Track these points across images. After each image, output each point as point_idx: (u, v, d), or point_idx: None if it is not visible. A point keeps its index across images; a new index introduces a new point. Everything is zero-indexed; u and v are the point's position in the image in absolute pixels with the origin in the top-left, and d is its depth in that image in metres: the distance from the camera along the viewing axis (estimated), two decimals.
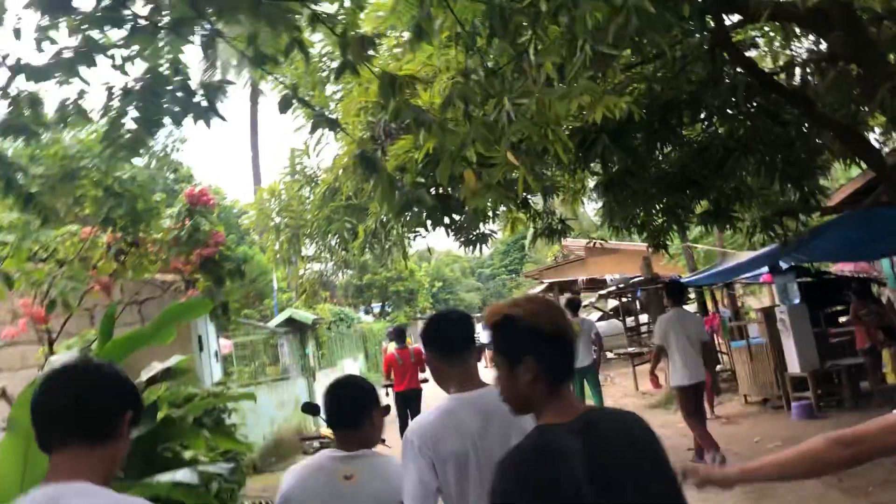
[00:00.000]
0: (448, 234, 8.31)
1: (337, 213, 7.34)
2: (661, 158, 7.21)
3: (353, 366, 25.50)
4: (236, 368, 14.59)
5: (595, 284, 19.68)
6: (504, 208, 8.98)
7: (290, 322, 15.38)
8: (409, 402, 10.95)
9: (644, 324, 17.65)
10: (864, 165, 8.05)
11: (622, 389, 15.77)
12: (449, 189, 6.40)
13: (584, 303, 21.96)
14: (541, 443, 1.74)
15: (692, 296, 20.08)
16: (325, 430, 6.33)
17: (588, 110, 3.86)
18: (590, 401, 12.34)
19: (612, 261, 26.74)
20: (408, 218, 6.18)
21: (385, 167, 3.90)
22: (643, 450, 1.78)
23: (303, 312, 15.78)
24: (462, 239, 8.98)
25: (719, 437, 9.05)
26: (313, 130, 3.59)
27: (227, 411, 7.70)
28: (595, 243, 10.09)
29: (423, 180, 5.89)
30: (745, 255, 12.12)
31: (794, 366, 10.00)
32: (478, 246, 9.16)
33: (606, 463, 1.69)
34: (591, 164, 7.03)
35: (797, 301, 10.58)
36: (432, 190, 6.90)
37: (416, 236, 7.60)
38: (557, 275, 25.18)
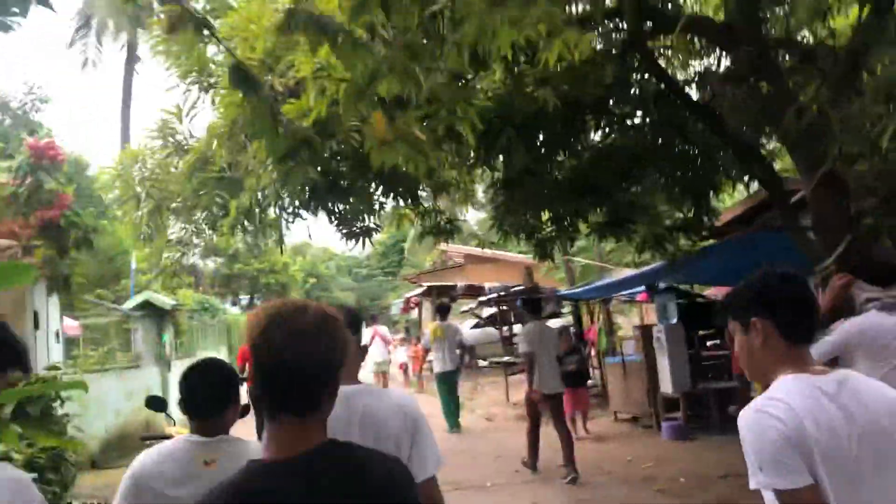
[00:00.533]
0: (331, 221, 7.69)
1: (207, 185, 6.56)
2: (561, 161, 6.89)
3: None
4: (82, 352, 13.26)
5: (474, 291, 19.49)
6: (392, 203, 8.54)
7: (147, 306, 14.15)
8: None
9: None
10: (753, 189, 8.10)
11: (492, 399, 15.56)
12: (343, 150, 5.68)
13: (462, 309, 21.81)
14: (244, 484, 1.43)
15: (565, 309, 20.34)
16: (172, 430, 5.54)
17: (543, 46, 3.29)
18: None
19: (490, 270, 26.82)
20: (292, 170, 5.40)
21: (265, 91, 3.27)
22: (379, 501, 1.48)
23: (161, 296, 14.57)
24: (345, 231, 8.42)
25: (592, 456, 8.90)
26: (169, 31, 2.87)
27: (59, 400, 6.74)
28: (484, 243, 9.61)
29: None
30: (625, 272, 12.16)
31: (666, 385, 10.03)
32: (361, 240, 8.64)
33: None
34: (492, 160, 6.61)
35: (675, 321, 10.63)
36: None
37: (294, 218, 6.89)
38: (436, 279, 24.87)
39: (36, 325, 8.32)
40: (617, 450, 9.36)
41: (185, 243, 7.25)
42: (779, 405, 1.81)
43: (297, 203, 6.31)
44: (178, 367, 16.17)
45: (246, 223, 6.51)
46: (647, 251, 7.81)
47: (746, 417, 1.87)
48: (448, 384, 11.78)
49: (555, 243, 8.98)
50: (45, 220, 6.16)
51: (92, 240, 6.91)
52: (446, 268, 32.06)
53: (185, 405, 2.56)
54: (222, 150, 6.48)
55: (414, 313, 23.69)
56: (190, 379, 2.57)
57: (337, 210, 7.85)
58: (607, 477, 7.85)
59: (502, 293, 14.02)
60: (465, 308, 21.47)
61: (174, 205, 6.97)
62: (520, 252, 35.12)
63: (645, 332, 10.78)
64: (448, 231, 9.53)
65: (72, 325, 14.13)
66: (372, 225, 8.51)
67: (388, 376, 16.44)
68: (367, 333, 14.41)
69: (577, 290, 12.60)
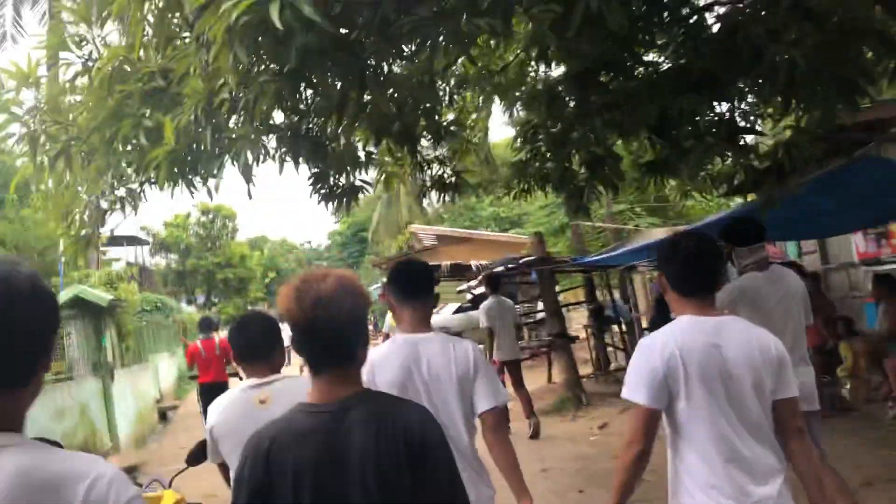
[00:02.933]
0: (309, 167, 5.51)
1: (129, 104, 4.33)
2: (664, 43, 4.68)
3: (169, 361, 21.68)
4: None
5: (459, 271, 17.38)
6: (378, 156, 6.61)
7: (80, 304, 11.69)
8: (214, 395, 9.09)
9: (538, 311, 15.14)
10: None
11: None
12: None
13: (459, 288, 19.76)
14: (288, 423, 1.75)
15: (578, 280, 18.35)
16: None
17: None
18: None
19: (465, 250, 24.94)
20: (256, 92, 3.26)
21: None
22: (392, 450, 1.64)
23: (96, 291, 12.18)
24: (323, 191, 6.32)
25: None
26: None
27: None
28: (516, 193, 7.35)
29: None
30: (656, 233, 10.23)
31: None
32: (343, 202, 6.59)
33: (341, 456, 1.64)
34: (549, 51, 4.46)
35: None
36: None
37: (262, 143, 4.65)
38: None
39: None
40: None
41: (106, 197, 4.98)
42: (661, 341, 2.40)
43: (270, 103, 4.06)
44: (125, 376, 13.76)
45: (190, 155, 4.27)
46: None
47: (640, 345, 2.51)
48: None
49: (591, 192, 7.05)
50: None
51: None
52: (415, 251, 30.08)
53: (240, 351, 3.00)
54: (150, 49, 4.27)
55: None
56: (242, 328, 3.00)
57: (316, 159, 5.74)
58: None
59: (510, 265, 11.98)
60: (460, 288, 19.39)
61: (84, 142, 4.72)
62: (499, 230, 33.37)
63: None
64: (454, 186, 7.61)
65: None
66: (358, 183, 6.46)
67: None
68: None
69: (607, 255, 10.47)
